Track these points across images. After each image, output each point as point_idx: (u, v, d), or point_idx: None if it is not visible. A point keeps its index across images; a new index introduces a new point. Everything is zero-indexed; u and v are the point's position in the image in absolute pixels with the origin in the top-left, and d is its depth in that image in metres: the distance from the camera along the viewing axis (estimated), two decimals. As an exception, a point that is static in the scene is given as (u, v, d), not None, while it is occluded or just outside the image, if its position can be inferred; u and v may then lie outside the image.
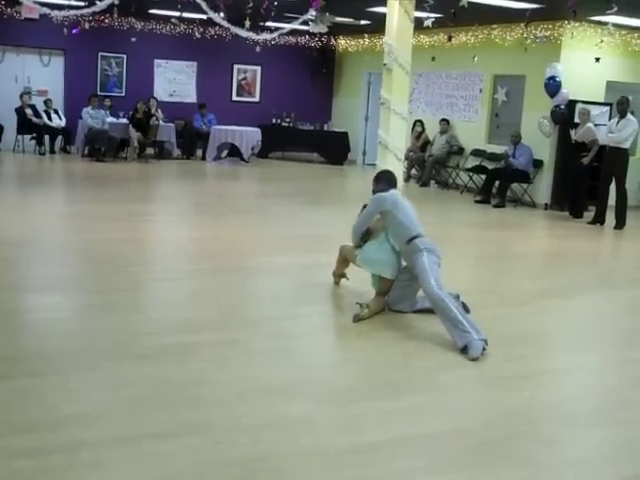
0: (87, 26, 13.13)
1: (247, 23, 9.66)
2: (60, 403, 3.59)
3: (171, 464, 3.06)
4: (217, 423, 3.46)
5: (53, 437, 3.23)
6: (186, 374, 4.05)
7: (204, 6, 9.11)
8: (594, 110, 11.18)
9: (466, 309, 5.46)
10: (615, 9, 8.09)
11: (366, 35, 15.84)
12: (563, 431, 3.75)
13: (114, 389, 3.79)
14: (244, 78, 17.06)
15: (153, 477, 2.98)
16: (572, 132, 11.04)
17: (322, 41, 16.85)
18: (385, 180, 5.64)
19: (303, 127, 16.54)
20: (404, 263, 5.42)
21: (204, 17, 11.05)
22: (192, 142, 15.49)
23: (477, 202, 11.92)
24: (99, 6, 9.08)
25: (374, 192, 5.60)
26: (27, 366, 4.05)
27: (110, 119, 14.67)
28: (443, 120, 13.83)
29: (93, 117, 14.20)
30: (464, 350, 4.64)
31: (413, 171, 14.35)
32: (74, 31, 13.12)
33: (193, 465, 3.06)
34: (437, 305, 4.93)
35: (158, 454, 3.14)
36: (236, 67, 16.85)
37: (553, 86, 11.36)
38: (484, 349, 4.66)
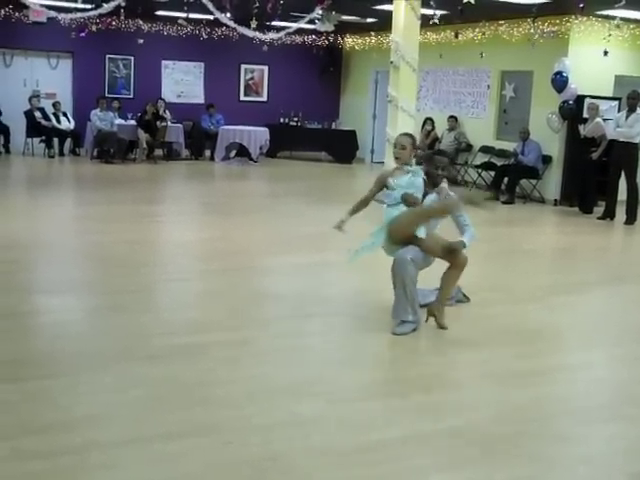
0: (94, 28, 13.16)
1: (253, 23, 9.68)
2: (71, 404, 3.60)
3: (181, 464, 3.07)
4: (227, 423, 3.47)
5: (64, 438, 3.24)
6: (196, 374, 4.06)
7: (210, 7, 9.13)
8: (603, 105, 11.12)
9: (467, 297, 5.56)
10: (623, 3, 8.06)
11: (373, 33, 15.80)
12: (574, 427, 3.73)
13: (124, 390, 3.80)
14: (251, 78, 17.07)
15: (163, 477, 2.99)
16: (581, 127, 10.99)
17: (329, 40, 16.83)
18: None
19: (311, 126, 16.54)
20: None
21: (211, 18, 11.07)
22: (200, 143, 15.52)
23: (486, 199, 11.87)
24: (106, 8, 9.12)
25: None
26: (38, 368, 4.07)
27: (118, 121, 14.71)
28: (451, 117, 13.79)
29: (102, 119, 14.25)
30: (398, 323, 4.88)
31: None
32: (82, 34, 13.16)
33: (203, 465, 3.07)
34: (400, 266, 4.87)
35: (168, 454, 3.15)
36: (243, 67, 16.86)
37: (560, 81, 11.31)
38: (414, 329, 4.89)
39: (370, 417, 3.64)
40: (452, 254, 4.96)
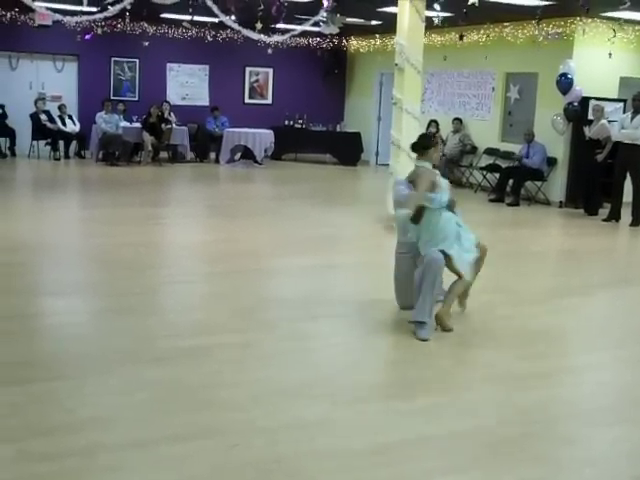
0: (100, 31, 13.17)
1: (258, 25, 9.68)
2: (77, 407, 3.62)
3: (187, 467, 3.08)
4: (232, 425, 3.48)
5: (70, 440, 3.26)
6: (201, 377, 4.07)
7: (215, 9, 9.14)
8: (608, 106, 11.10)
9: None
10: (628, 4, 8.04)
11: (377, 35, 15.80)
12: (579, 429, 3.73)
13: (130, 392, 3.81)
14: (256, 80, 17.09)
15: None
16: (586, 129, 10.97)
17: (333, 42, 16.84)
18: None
19: (315, 128, 16.53)
20: None
21: (215, 20, 11.09)
22: (205, 145, 15.54)
23: (491, 201, 11.88)
24: (111, 11, 9.14)
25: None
26: (44, 370, 4.08)
27: (124, 123, 14.73)
28: (456, 119, 13.79)
29: (107, 122, 14.28)
30: (417, 324, 4.85)
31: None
32: (87, 37, 13.20)
33: (209, 467, 3.08)
34: (440, 264, 4.94)
35: (174, 457, 3.16)
36: (248, 69, 16.88)
37: (565, 83, 11.29)
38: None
39: (375, 420, 3.64)
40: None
